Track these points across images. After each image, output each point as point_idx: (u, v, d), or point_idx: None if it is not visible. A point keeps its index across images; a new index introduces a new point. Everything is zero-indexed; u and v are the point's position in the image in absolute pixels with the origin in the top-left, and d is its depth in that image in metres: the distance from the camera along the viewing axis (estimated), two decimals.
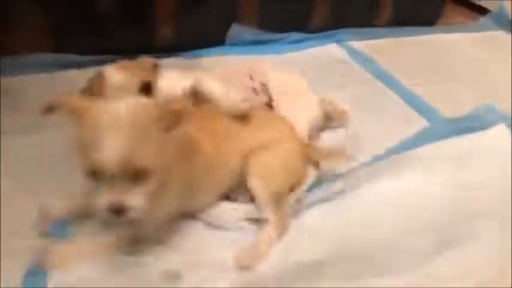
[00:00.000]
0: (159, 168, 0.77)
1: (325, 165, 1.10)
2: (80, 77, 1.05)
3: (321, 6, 1.74)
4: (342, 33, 1.79)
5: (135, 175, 0.75)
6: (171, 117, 0.77)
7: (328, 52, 1.72)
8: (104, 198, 0.75)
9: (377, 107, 1.44)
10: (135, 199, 0.75)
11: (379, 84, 1.56)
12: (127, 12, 1.46)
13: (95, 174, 0.75)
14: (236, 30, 1.64)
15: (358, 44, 1.77)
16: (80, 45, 1.43)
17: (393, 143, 1.22)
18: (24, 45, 1.53)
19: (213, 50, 1.63)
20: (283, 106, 1.20)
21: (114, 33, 1.05)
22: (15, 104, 1.31)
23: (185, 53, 1.57)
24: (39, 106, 0.84)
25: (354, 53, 1.72)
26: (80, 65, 1.44)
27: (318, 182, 1.07)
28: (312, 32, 1.76)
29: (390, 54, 1.74)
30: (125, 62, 1.08)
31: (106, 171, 0.73)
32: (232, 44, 1.66)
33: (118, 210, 0.75)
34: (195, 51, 1.59)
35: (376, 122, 1.35)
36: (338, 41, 1.77)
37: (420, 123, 1.35)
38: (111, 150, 0.72)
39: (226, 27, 1.64)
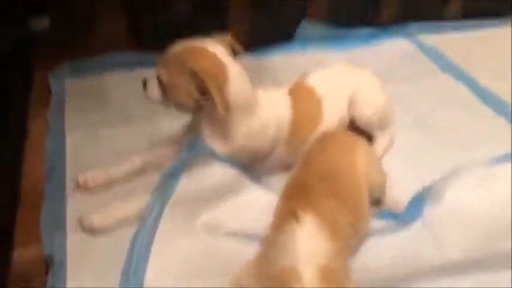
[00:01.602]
0: None
1: None
2: None
3: (390, 0, 1.72)
4: (411, 27, 1.77)
5: None
6: None
7: (398, 47, 1.71)
8: None
9: (451, 104, 1.42)
10: None
11: (451, 79, 1.54)
12: (202, 9, 1.53)
13: None
14: (306, 26, 1.66)
15: (428, 39, 1.74)
16: (160, 45, 1.50)
17: (474, 143, 1.23)
18: (107, 45, 1.64)
19: (282, 46, 1.67)
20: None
21: (190, 33, 1.10)
22: (100, 101, 1.41)
23: (255, 50, 1.62)
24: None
25: (424, 48, 1.70)
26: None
27: None
28: (381, 27, 1.76)
29: (461, 48, 1.71)
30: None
31: None
32: (302, 41, 1.69)
33: None
34: (264, 49, 1.63)
35: (452, 120, 1.35)
36: (408, 36, 1.75)
37: (495, 121, 1.35)
38: None
39: (296, 24, 1.67)
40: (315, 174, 0.95)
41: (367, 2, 1.73)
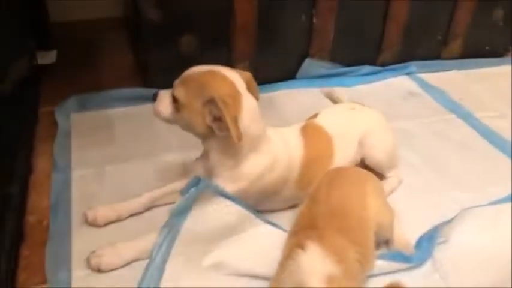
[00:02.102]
0: None
1: None
2: None
3: (391, 40, 1.77)
4: (412, 65, 1.80)
5: None
6: None
7: (399, 84, 1.75)
8: None
9: (453, 141, 1.44)
10: None
11: (453, 116, 1.57)
12: (208, 49, 1.55)
13: None
14: (309, 64, 1.69)
15: (428, 76, 1.78)
16: (166, 81, 1.52)
17: (480, 182, 1.25)
18: (113, 80, 1.66)
19: (284, 83, 1.69)
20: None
21: None
22: (106, 137, 1.41)
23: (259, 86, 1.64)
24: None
25: (425, 85, 1.74)
26: None
27: None
28: (382, 65, 1.79)
29: (461, 86, 1.75)
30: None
31: None
32: (303, 78, 1.72)
33: None
34: (268, 85, 1.66)
35: (457, 158, 1.37)
36: (408, 74, 1.79)
37: (498, 159, 1.37)
38: None
39: (299, 62, 1.70)
40: (324, 209, 0.95)
41: (369, 42, 1.76)
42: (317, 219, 0.92)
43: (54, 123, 1.46)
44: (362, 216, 0.97)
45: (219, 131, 1.00)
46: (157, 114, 1.09)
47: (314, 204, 0.98)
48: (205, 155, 1.11)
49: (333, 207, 0.95)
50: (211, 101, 0.98)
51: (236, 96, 1.02)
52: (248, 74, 1.10)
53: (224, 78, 1.03)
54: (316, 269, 0.80)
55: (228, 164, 1.06)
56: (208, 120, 1.00)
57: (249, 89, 1.06)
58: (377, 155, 1.21)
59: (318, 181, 1.06)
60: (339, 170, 1.11)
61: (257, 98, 1.09)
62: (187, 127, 1.06)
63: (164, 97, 1.07)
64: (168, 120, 1.08)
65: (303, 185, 1.12)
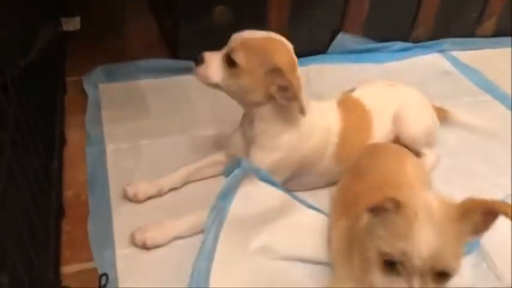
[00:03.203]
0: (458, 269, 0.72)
1: None
2: (194, 81, 1.09)
3: (426, 16, 1.72)
4: (445, 43, 1.77)
5: (436, 273, 0.70)
6: (481, 219, 0.72)
7: (431, 62, 1.71)
8: None
9: (490, 123, 1.40)
10: None
11: (489, 98, 1.54)
12: (240, 20, 1.50)
13: (392, 265, 0.71)
14: (342, 38, 1.65)
15: (461, 54, 1.75)
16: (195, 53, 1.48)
17: None
18: (139, 50, 1.61)
19: (316, 58, 1.65)
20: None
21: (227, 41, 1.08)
22: (138, 110, 1.39)
23: None
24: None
25: (458, 64, 1.70)
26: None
27: None
28: (415, 42, 1.75)
29: (494, 65, 1.71)
30: None
31: (411, 265, 0.69)
32: (335, 53, 1.68)
33: None
34: (299, 59, 1.61)
35: (494, 141, 1.34)
36: (441, 51, 1.75)
37: None
38: (424, 246, 0.68)
39: (332, 37, 1.65)
40: (367, 184, 0.92)
41: (403, 18, 1.72)
42: (361, 195, 0.90)
43: (81, 93, 1.42)
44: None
45: (284, 100, 0.97)
46: (204, 79, 1.02)
47: (357, 180, 0.96)
48: (246, 125, 1.09)
49: (376, 181, 0.93)
50: (276, 70, 0.95)
51: (295, 65, 1.00)
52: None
53: (284, 46, 1.00)
54: None
55: (272, 132, 1.04)
56: (272, 89, 0.97)
57: None
58: (413, 130, 1.19)
59: (358, 157, 1.05)
60: (380, 146, 1.10)
61: None
62: (240, 93, 1.02)
63: (214, 60, 1.01)
64: (216, 86, 1.03)
65: (341, 158, 1.11)
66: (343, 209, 0.94)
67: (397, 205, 0.71)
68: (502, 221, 1.01)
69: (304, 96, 1.01)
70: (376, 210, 0.73)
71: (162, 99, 1.43)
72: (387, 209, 0.72)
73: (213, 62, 1.01)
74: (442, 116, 1.31)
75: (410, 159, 1.02)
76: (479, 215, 0.71)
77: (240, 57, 0.97)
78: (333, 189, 1.10)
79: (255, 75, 0.97)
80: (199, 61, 1.03)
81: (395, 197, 0.71)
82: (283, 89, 0.96)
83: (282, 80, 0.96)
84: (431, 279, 0.69)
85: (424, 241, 0.68)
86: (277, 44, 1.00)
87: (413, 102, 1.22)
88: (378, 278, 0.72)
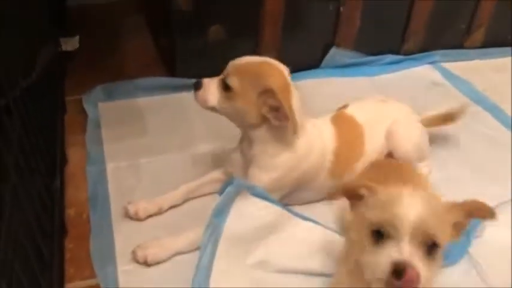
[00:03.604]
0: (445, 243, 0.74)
1: None
2: (192, 98, 1.11)
3: (416, 29, 1.76)
4: (435, 55, 1.80)
5: (425, 244, 0.70)
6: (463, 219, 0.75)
7: (422, 74, 1.74)
8: (391, 257, 0.69)
9: (481, 134, 1.45)
10: (423, 269, 0.69)
11: (479, 109, 1.57)
12: (235, 38, 1.55)
13: (380, 234, 0.71)
14: (334, 53, 1.69)
15: (451, 66, 1.78)
16: (192, 70, 1.52)
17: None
18: (137, 68, 1.65)
19: (309, 73, 1.69)
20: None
21: (223, 58, 1.12)
22: (137, 128, 1.41)
23: None
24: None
25: (449, 75, 1.73)
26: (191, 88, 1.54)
27: None
28: (406, 54, 1.79)
29: (484, 76, 1.75)
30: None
31: (400, 229, 0.69)
32: (328, 67, 1.72)
33: (403, 273, 0.67)
34: (293, 74, 1.64)
35: (485, 151, 1.38)
36: (432, 63, 1.79)
37: None
38: (411, 209, 0.70)
39: (324, 51, 1.70)
40: None
41: (394, 31, 1.76)
42: None
43: (81, 112, 1.45)
44: None
45: (276, 120, 1.02)
46: (203, 102, 1.08)
47: None
48: (245, 145, 1.12)
49: None
50: (268, 92, 1.00)
51: (288, 86, 1.04)
52: (284, 68, 1.10)
53: (277, 69, 1.05)
54: None
55: (270, 152, 1.08)
56: (265, 110, 1.02)
57: None
58: (404, 146, 1.21)
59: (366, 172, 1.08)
60: (389, 164, 1.14)
61: None
62: (236, 116, 1.07)
63: (211, 85, 1.07)
64: (213, 109, 1.08)
65: (336, 173, 1.15)
66: None
67: (371, 190, 0.74)
68: (490, 228, 1.07)
69: (301, 116, 1.06)
70: (354, 198, 0.77)
71: (161, 117, 1.46)
72: (363, 195, 0.75)
73: (211, 87, 1.07)
74: (449, 119, 1.34)
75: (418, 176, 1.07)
76: (461, 215, 0.74)
77: (233, 82, 1.03)
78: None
79: (248, 97, 1.02)
80: (198, 86, 1.08)
81: (367, 183, 0.75)
82: (275, 109, 1.01)
83: (273, 101, 1.00)
84: (420, 250, 0.70)
85: (410, 207, 0.70)
86: (270, 68, 1.05)
87: (404, 118, 1.25)
88: (368, 253, 0.72)
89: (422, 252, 0.70)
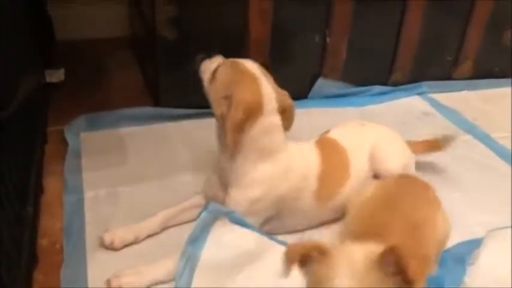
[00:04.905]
0: None
1: None
2: (176, 128, 1.10)
3: (403, 60, 1.76)
4: (423, 86, 1.80)
5: None
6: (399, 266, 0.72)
7: (410, 104, 1.74)
8: None
9: (472, 162, 1.43)
10: None
11: (470, 137, 1.55)
12: None
13: None
14: (322, 84, 1.68)
15: (440, 97, 1.78)
16: (177, 100, 1.50)
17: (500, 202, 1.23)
18: (122, 100, 1.63)
19: (297, 103, 1.65)
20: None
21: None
22: (117, 157, 1.38)
23: None
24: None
25: (438, 105, 1.73)
26: (176, 118, 1.53)
27: None
28: (394, 85, 1.79)
29: (473, 106, 1.74)
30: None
31: None
32: (315, 97, 1.71)
33: None
34: None
35: (475, 179, 1.35)
36: (420, 94, 1.78)
37: None
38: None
39: (311, 82, 1.69)
40: (398, 217, 0.93)
41: (381, 62, 1.76)
42: (389, 226, 0.90)
43: (63, 143, 1.42)
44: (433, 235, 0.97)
45: (220, 125, 1.04)
46: (202, 73, 1.13)
47: (386, 210, 0.96)
48: (221, 166, 1.10)
49: (408, 216, 0.94)
50: (230, 98, 1.01)
51: (254, 109, 1.02)
52: (289, 102, 1.12)
53: (258, 88, 1.04)
54: None
55: (239, 171, 1.06)
56: (219, 111, 1.03)
57: (284, 115, 1.08)
58: (388, 165, 1.20)
59: (380, 188, 1.06)
60: (409, 180, 1.11)
61: (287, 128, 1.10)
62: (211, 104, 1.09)
63: (213, 63, 1.11)
64: (203, 86, 1.11)
65: (322, 195, 1.13)
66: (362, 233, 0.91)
67: (322, 253, 0.73)
68: (484, 256, 1.02)
69: (271, 101, 1.05)
70: (304, 259, 0.75)
71: (144, 146, 1.43)
72: (312, 257, 0.74)
73: (208, 68, 1.11)
74: (436, 146, 1.33)
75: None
76: (393, 265, 0.71)
77: (220, 71, 1.07)
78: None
79: (218, 90, 1.05)
80: (200, 60, 1.15)
81: (320, 245, 0.74)
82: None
83: (226, 107, 1.01)
84: None
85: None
86: (251, 82, 1.04)
87: (385, 138, 1.25)
88: None
89: None
